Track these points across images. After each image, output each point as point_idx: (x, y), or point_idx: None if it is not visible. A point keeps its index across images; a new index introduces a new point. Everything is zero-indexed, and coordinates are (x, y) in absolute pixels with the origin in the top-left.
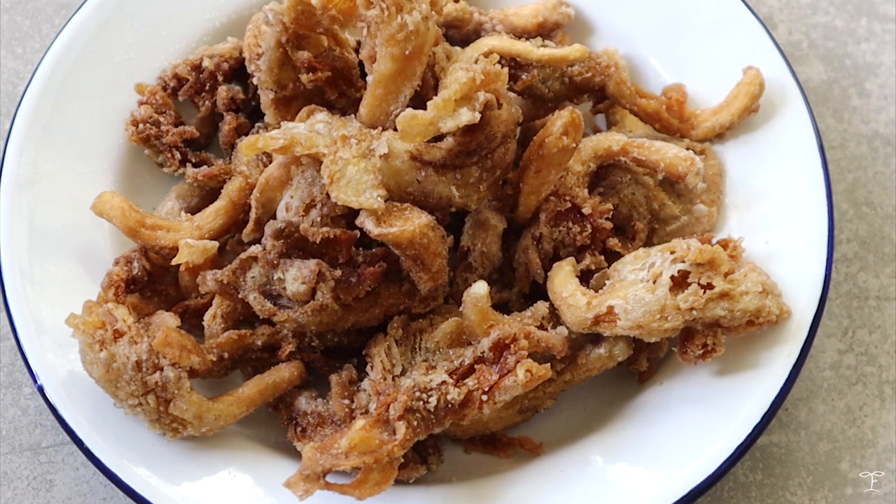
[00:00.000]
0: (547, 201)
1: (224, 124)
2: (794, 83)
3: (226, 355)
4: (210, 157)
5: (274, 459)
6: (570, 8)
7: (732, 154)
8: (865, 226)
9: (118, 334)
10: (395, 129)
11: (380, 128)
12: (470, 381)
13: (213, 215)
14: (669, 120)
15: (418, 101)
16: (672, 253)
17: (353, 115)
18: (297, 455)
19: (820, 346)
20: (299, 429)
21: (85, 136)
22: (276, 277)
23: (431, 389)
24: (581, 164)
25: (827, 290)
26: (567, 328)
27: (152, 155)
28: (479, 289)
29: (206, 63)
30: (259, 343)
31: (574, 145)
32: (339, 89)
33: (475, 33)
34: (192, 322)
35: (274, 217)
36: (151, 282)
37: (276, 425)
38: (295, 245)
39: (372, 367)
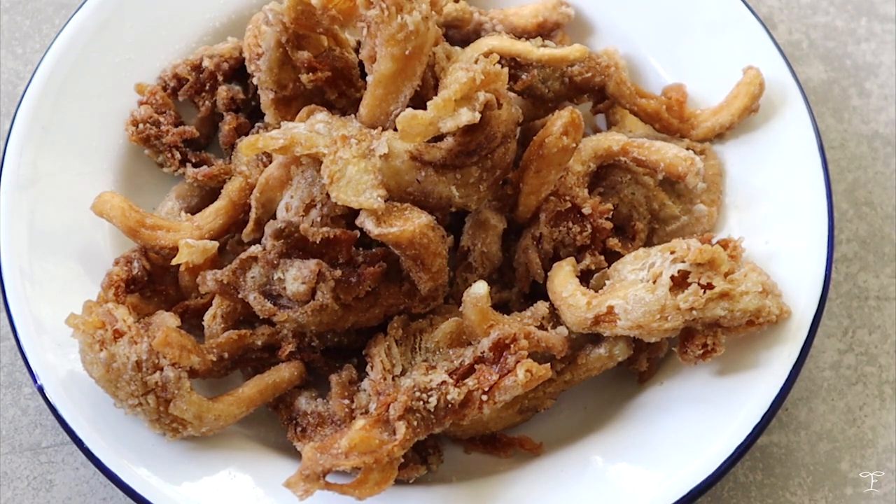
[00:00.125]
0: (547, 201)
1: (224, 124)
2: (794, 83)
3: (226, 355)
4: (210, 157)
5: (274, 459)
6: (570, 8)
7: (732, 154)
8: (865, 226)
9: (118, 334)
10: (395, 129)
11: (380, 128)
12: (470, 381)
13: (213, 215)
14: (669, 120)
15: (418, 101)
16: (672, 253)
17: (353, 115)
18: (297, 455)
19: (820, 346)
20: (299, 429)
21: (85, 136)
22: (276, 277)
23: (431, 389)
24: (581, 164)
25: (827, 290)
26: (567, 328)
27: (152, 155)
28: (479, 289)
29: (206, 63)
30: (259, 343)
31: (574, 145)
32: (339, 89)
33: (475, 33)
34: (192, 322)
35: (274, 217)
36: (151, 282)
37: (276, 425)
38: (295, 245)
39: (372, 367)
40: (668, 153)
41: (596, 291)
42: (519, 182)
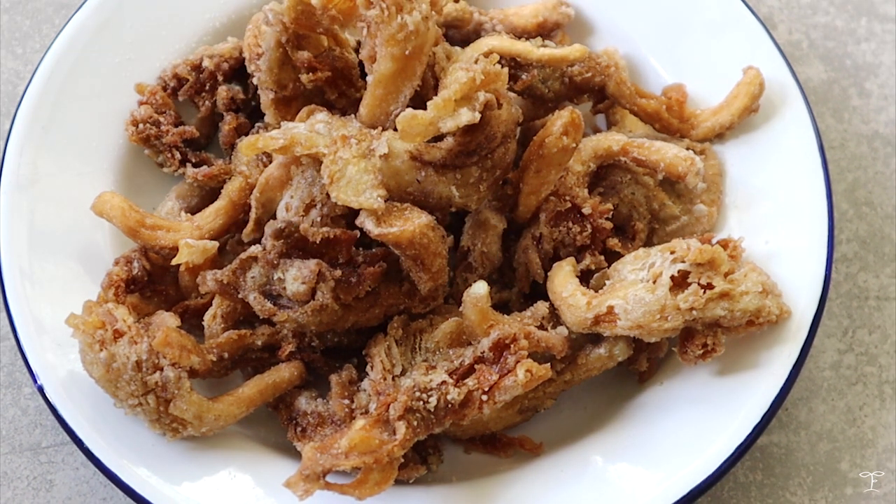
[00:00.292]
0: (547, 201)
1: (224, 124)
2: (794, 83)
3: (226, 355)
4: (210, 157)
5: (274, 459)
6: (570, 8)
7: (732, 154)
8: (865, 226)
9: (118, 334)
10: (395, 129)
11: (380, 128)
12: (470, 381)
13: (213, 215)
14: (669, 120)
15: (418, 101)
16: (672, 253)
17: (353, 115)
18: (297, 455)
19: (820, 346)
20: (299, 429)
21: (85, 136)
22: (276, 277)
23: (431, 389)
24: (581, 164)
25: (827, 290)
26: (567, 328)
27: (152, 155)
28: (479, 289)
29: (206, 63)
30: (259, 343)
31: (574, 145)
32: (339, 89)
33: (475, 33)
34: (192, 322)
35: (274, 217)
36: (151, 282)
37: (276, 425)
38: (295, 245)
39: (372, 367)
40: (668, 153)
41: (596, 291)
42: (519, 182)
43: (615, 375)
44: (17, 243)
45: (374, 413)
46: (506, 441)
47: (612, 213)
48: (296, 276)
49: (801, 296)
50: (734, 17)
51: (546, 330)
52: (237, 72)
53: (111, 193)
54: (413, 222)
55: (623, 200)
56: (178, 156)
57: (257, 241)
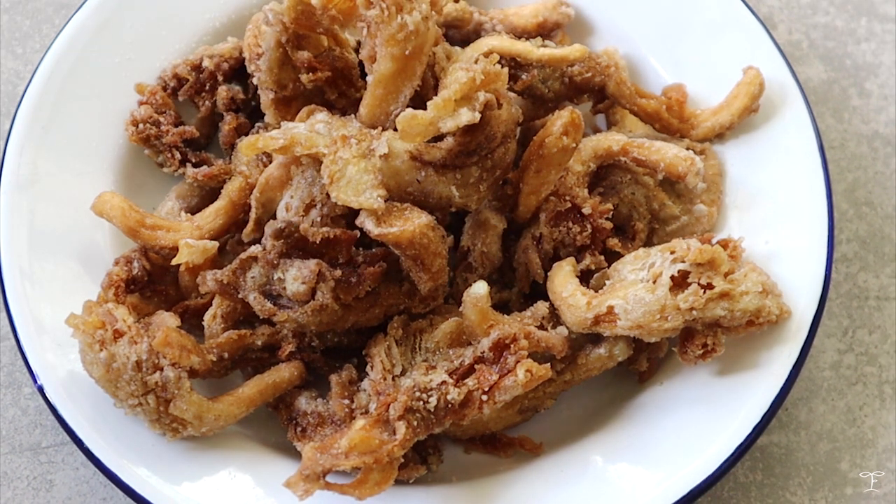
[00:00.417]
0: (547, 201)
1: (224, 124)
2: (794, 83)
3: (226, 355)
4: (210, 157)
5: (274, 459)
6: (570, 8)
7: (732, 154)
8: (865, 226)
9: (118, 334)
10: (395, 129)
11: (380, 128)
12: (470, 381)
13: (213, 215)
14: (669, 120)
15: (418, 101)
16: (672, 253)
17: (353, 115)
18: (297, 455)
19: (820, 346)
20: (299, 429)
21: (85, 136)
22: (276, 277)
23: (431, 389)
24: (581, 164)
25: (827, 290)
26: (567, 328)
27: (152, 155)
28: (479, 289)
29: (206, 63)
30: (259, 343)
31: (574, 145)
32: (339, 89)
33: (475, 33)
34: (192, 322)
35: (274, 217)
36: (151, 282)
37: (276, 425)
38: (295, 245)
39: (372, 367)
40: (668, 153)
41: (596, 291)
42: (519, 182)
43: (615, 375)
44: (17, 243)
45: (374, 413)
46: (506, 441)
47: (612, 213)
48: (296, 276)
49: (801, 296)
50: (734, 17)
51: (546, 330)
52: (237, 72)
53: (111, 193)
54: (413, 222)
55: (623, 200)
56: (178, 156)
57: (257, 241)
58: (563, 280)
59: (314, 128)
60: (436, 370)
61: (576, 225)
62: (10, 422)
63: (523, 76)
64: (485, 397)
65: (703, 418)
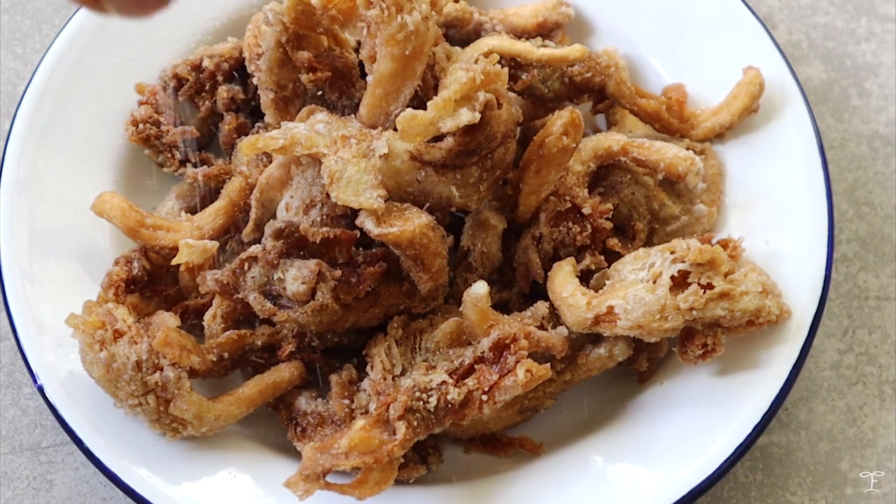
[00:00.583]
0: (547, 201)
1: (224, 124)
2: (794, 83)
3: (226, 355)
4: (210, 157)
5: (274, 459)
6: (570, 8)
7: (732, 154)
8: (865, 226)
9: (118, 334)
10: (395, 129)
11: (380, 128)
12: (470, 381)
13: (213, 215)
14: (669, 120)
15: (418, 101)
16: (672, 253)
17: (353, 115)
18: (297, 455)
19: (820, 346)
20: (299, 429)
21: (85, 136)
22: (276, 277)
23: (431, 389)
24: (581, 164)
25: (827, 290)
26: (567, 328)
27: (152, 155)
28: (479, 289)
29: (206, 63)
30: (259, 343)
31: (574, 145)
32: (339, 89)
33: (475, 33)
34: (192, 322)
35: (274, 217)
36: (151, 282)
37: (276, 425)
38: (295, 245)
39: (372, 367)
40: (668, 153)
41: (596, 291)
42: (519, 182)
43: (615, 375)
44: (17, 243)
45: (374, 413)
46: (506, 441)
47: (612, 213)
48: (296, 276)
49: (801, 296)
50: (734, 17)
51: (546, 330)
52: (237, 72)
53: (111, 193)
54: (413, 222)
55: (623, 200)
56: (178, 156)
57: (257, 241)
58: (563, 280)
59: (314, 128)
60: (436, 370)
61: (576, 225)
62: (10, 422)
63: (523, 76)
64: (485, 397)
65: (703, 418)
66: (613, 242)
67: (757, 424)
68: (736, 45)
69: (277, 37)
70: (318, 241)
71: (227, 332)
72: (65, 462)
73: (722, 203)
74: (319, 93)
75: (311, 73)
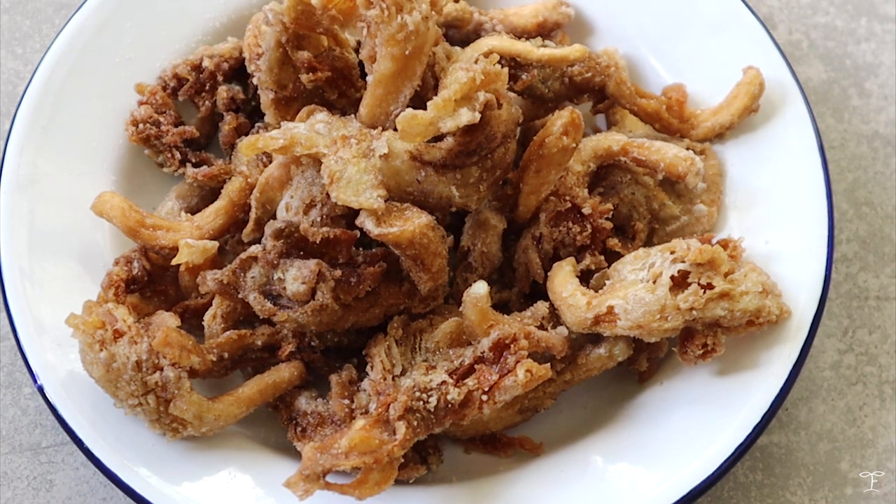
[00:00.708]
0: (547, 201)
1: (224, 124)
2: (794, 83)
3: (226, 355)
4: (210, 157)
5: (274, 459)
6: (570, 8)
7: (732, 154)
8: (865, 226)
9: (118, 334)
10: (395, 129)
11: (380, 128)
12: (470, 381)
13: (213, 215)
14: (669, 120)
15: (418, 101)
16: (672, 253)
17: (353, 115)
18: (297, 455)
19: (820, 346)
20: (299, 429)
21: (85, 136)
22: (276, 277)
23: (431, 389)
24: (581, 164)
25: (827, 290)
26: (567, 328)
27: (152, 155)
28: (479, 289)
29: (206, 63)
30: (259, 343)
31: (574, 145)
32: (339, 89)
33: (475, 33)
34: (192, 322)
35: (274, 217)
36: (151, 282)
37: (276, 425)
38: (295, 245)
39: (372, 367)
40: (668, 153)
41: (596, 291)
42: (519, 182)
43: (615, 375)
44: (17, 243)
45: (374, 413)
46: (506, 441)
47: (612, 213)
48: (296, 276)
49: (801, 296)
50: (734, 17)
51: (546, 330)
52: (237, 72)
53: (111, 193)
54: (413, 222)
55: (623, 200)
56: (178, 156)
57: (257, 241)
58: (563, 280)
59: (314, 128)
60: (436, 370)
61: (576, 225)
62: (10, 422)
63: (523, 76)
64: (485, 397)
65: (703, 418)
66: (613, 242)
67: (757, 424)
68: (736, 45)
69: (277, 37)
70: (318, 241)
71: (227, 332)
72: (65, 462)
73: (722, 203)
74: (320, 93)
75: (311, 73)
